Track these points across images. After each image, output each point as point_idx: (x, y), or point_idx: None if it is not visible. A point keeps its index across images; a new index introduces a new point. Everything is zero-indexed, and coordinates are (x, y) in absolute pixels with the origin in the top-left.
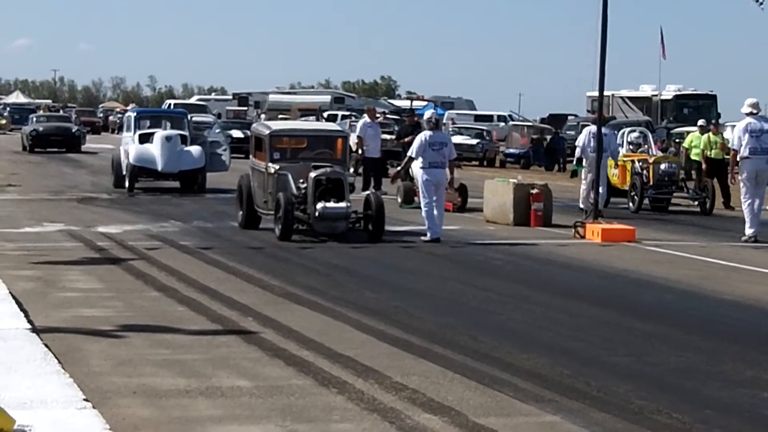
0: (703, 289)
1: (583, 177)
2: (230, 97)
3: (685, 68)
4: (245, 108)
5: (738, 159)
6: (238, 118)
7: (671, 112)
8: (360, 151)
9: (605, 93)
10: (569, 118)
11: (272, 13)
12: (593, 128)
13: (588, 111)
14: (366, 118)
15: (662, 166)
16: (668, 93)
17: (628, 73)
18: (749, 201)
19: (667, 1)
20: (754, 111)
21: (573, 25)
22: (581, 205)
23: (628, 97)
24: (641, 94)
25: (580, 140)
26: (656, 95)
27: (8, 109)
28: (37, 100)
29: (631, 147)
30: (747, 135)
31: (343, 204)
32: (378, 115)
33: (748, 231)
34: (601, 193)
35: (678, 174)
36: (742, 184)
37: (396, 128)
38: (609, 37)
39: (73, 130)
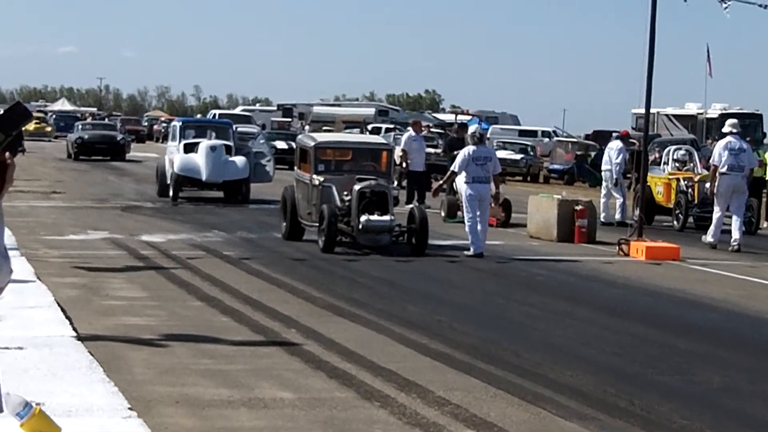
0: (748, 308)
1: (602, 191)
2: (275, 108)
3: (731, 87)
4: (289, 119)
5: (717, 174)
6: (282, 129)
7: (717, 131)
8: (404, 165)
9: (650, 110)
10: (613, 134)
11: (318, 26)
12: (612, 144)
13: (633, 128)
14: (411, 131)
15: (707, 185)
16: (714, 111)
17: (674, 90)
18: (719, 214)
19: (714, 19)
20: (734, 130)
21: (618, 42)
22: (602, 219)
23: (674, 115)
24: (687, 112)
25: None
26: (702, 113)
27: (53, 116)
28: (83, 108)
29: (676, 165)
30: (726, 152)
31: (386, 217)
32: (423, 129)
33: (710, 238)
34: (620, 202)
35: None
36: (717, 197)
37: (440, 142)
38: (655, 54)
39: (118, 139)
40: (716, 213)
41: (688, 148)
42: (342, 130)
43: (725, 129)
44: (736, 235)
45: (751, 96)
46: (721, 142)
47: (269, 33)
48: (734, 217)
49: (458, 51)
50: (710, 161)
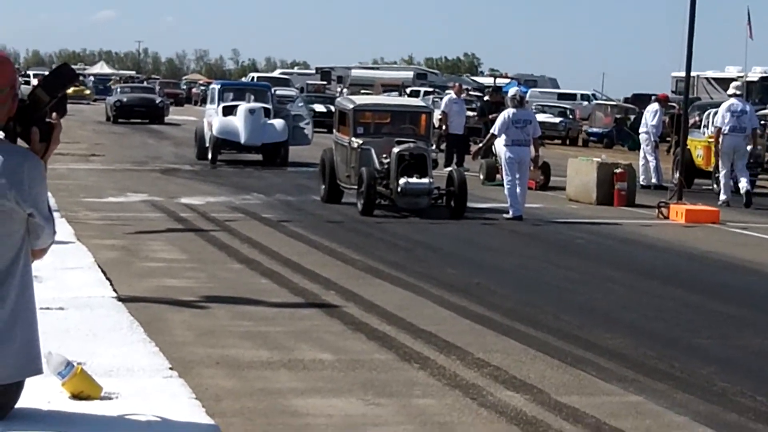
0: None
1: (641, 154)
2: (313, 71)
3: None
4: (324, 83)
5: (721, 135)
6: (318, 92)
7: (757, 94)
8: (444, 127)
9: (691, 74)
10: (653, 98)
11: None
12: (649, 107)
13: (672, 91)
14: (452, 94)
15: (748, 148)
16: (754, 75)
17: (714, 53)
18: (725, 171)
19: None
20: (738, 93)
21: (659, 5)
22: (642, 182)
23: (714, 78)
24: (727, 75)
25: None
26: (742, 76)
27: (92, 79)
28: (121, 71)
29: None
30: (729, 114)
31: (425, 180)
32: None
33: (722, 197)
34: (654, 165)
35: (763, 156)
36: (720, 157)
37: (478, 104)
38: (696, 17)
39: (157, 102)
40: (722, 172)
41: None
42: (381, 94)
43: (729, 91)
44: (744, 188)
45: None
46: (725, 104)
47: None
48: (740, 178)
49: (497, 14)
50: (713, 123)
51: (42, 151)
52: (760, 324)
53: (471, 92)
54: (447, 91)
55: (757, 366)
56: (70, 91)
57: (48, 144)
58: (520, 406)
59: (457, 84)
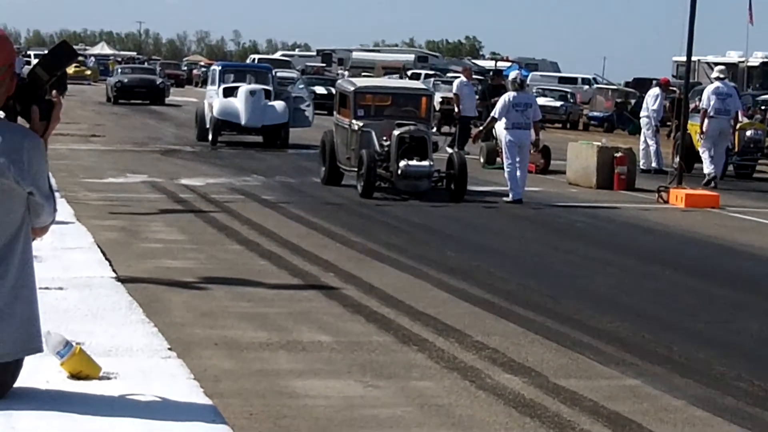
0: None
1: (641, 138)
2: (314, 53)
3: None
4: (325, 65)
5: (706, 118)
6: (318, 74)
7: (758, 79)
8: (457, 109)
9: (692, 58)
10: (654, 82)
11: None
12: (650, 91)
13: (673, 76)
14: (462, 78)
15: (748, 133)
16: (755, 60)
17: (715, 38)
18: (707, 152)
19: None
20: (722, 76)
21: None
22: (642, 166)
23: (714, 63)
24: (727, 60)
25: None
26: (743, 62)
27: (93, 60)
28: (122, 52)
29: None
30: (714, 97)
31: (426, 162)
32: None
33: (707, 170)
34: (654, 149)
35: (764, 141)
36: (704, 139)
37: (480, 87)
38: (697, 1)
39: (158, 83)
40: (704, 153)
41: None
42: (382, 76)
43: (713, 75)
44: (716, 171)
45: None
46: (710, 88)
47: None
48: (716, 161)
49: None
50: (699, 106)
51: (42, 129)
52: (759, 308)
53: (473, 76)
54: (446, 74)
55: (756, 350)
56: (71, 71)
57: (48, 122)
58: (518, 388)
59: (467, 68)
